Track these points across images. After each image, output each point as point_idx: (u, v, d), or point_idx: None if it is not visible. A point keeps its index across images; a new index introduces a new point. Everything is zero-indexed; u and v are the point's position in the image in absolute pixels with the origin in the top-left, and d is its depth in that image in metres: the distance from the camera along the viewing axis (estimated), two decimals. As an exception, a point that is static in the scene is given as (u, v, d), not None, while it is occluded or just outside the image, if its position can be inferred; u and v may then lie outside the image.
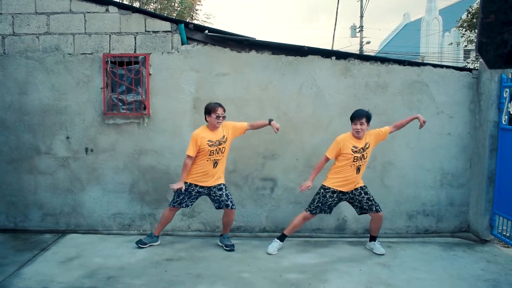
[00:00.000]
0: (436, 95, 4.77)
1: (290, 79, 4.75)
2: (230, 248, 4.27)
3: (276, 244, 4.27)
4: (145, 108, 4.75)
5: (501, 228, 4.54)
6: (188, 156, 4.09)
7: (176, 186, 4.11)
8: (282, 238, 4.33)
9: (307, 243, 4.56)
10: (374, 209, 4.15)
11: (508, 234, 4.40)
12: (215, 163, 4.15)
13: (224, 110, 4.14)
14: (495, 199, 4.51)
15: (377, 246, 4.27)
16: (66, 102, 4.77)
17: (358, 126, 4.02)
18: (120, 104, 4.78)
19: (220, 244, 4.38)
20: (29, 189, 4.86)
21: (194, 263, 3.95)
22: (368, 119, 4.07)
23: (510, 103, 4.34)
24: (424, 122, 4.13)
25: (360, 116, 4.04)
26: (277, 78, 4.75)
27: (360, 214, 4.28)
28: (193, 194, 4.22)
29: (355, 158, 4.05)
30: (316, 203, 4.16)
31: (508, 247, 4.48)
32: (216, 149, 4.11)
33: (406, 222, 4.90)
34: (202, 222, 4.88)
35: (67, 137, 4.81)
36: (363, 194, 4.14)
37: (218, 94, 4.73)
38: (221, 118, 4.11)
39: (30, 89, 4.77)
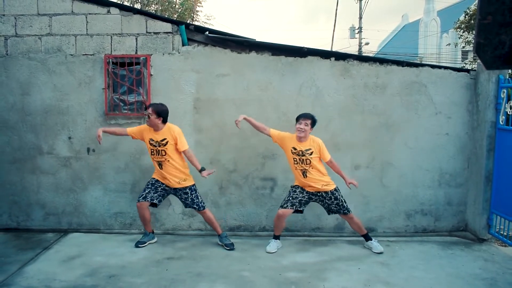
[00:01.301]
0: (434, 96, 4.82)
1: (289, 79, 4.79)
2: (230, 247, 4.31)
3: (274, 243, 4.33)
4: (146, 109, 4.79)
5: (498, 227, 4.58)
6: (126, 129, 4.29)
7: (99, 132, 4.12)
8: (276, 237, 4.40)
9: (306, 242, 4.60)
10: (342, 212, 4.24)
11: (505, 233, 4.44)
12: (160, 164, 4.18)
13: (154, 111, 4.05)
14: (493, 199, 4.55)
15: (375, 245, 4.31)
16: (68, 103, 4.81)
17: (302, 126, 4.12)
18: (122, 104, 4.82)
19: (220, 243, 4.42)
20: (32, 188, 4.89)
21: (195, 262, 3.99)
22: (313, 122, 4.18)
23: (507, 103, 4.38)
24: (349, 184, 4.24)
25: (305, 117, 4.17)
26: (277, 79, 4.79)
27: (329, 214, 4.40)
28: (159, 190, 4.26)
29: (294, 159, 4.17)
30: (287, 198, 4.27)
31: (505, 246, 4.52)
32: (156, 150, 4.16)
33: (404, 221, 4.94)
34: (202, 221, 4.90)
35: (69, 137, 4.84)
36: (332, 199, 4.21)
37: (218, 95, 4.78)
38: (147, 118, 4.15)
39: (33, 90, 4.80)
